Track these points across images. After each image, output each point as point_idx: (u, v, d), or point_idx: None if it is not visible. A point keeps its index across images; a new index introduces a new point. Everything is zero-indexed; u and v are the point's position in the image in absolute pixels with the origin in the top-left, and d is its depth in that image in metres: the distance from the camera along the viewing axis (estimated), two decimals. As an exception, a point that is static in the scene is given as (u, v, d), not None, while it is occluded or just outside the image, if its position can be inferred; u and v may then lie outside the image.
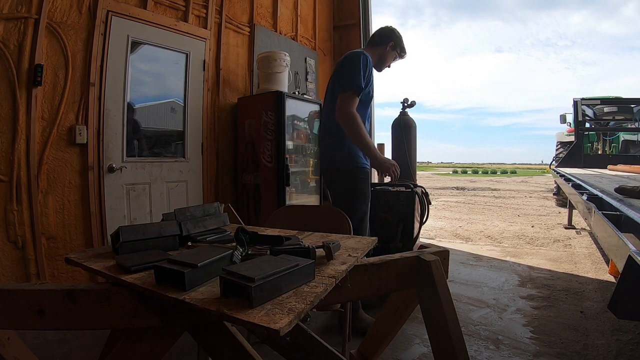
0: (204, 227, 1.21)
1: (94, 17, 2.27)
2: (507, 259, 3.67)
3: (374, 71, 2.03)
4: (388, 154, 4.17)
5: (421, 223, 2.87)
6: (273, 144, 2.99)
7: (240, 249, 0.94)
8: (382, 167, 1.79)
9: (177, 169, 2.81)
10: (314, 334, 1.17)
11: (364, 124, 1.87)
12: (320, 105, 3.58)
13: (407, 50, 2.11)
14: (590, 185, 2.11)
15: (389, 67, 2.11)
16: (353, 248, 1.06)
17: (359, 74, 1.72)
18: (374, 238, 1.17)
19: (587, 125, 5.86)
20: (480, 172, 32.52)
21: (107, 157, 2.38)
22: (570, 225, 5.20)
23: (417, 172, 4.17)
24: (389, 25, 2.14)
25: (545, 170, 16.41)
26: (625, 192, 1.61)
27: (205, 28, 3.00)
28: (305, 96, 3.45)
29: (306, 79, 4.00)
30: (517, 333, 2.07)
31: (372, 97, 1.97)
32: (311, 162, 3.57)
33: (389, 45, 2.04)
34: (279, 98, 2.97)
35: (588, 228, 4.36)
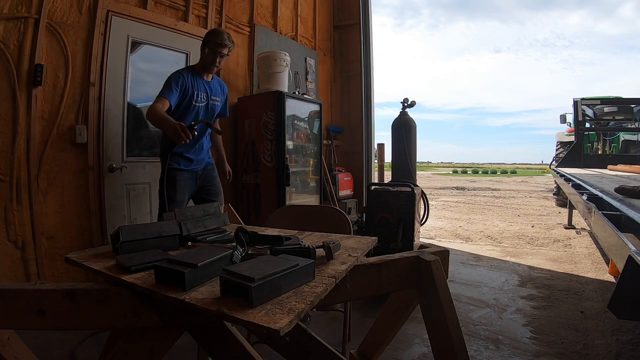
0: (204, 227, 1.21)
1: (94, 17, 2.27)
2: (507, 259, 3.67)
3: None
4: (388, 153, 4.18)
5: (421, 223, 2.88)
6: (273, 144, 2.99)
7: (240, 249, 0.94)
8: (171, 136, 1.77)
9: (177, 168, 2.80)
10: (314, 334, 1.17)
11: (190, 120, 2.07)
12: (320, 105, 3.58)
13: (218, 42, 2.08)
14: (590, 185, 2.11)
15: (217, 64, 2.14)
16: (353, 248, 1.06)
17: (169, 87, 1.97)
18: (373, 238, 1.17)
19: (587, 125, 5.86)
20: (480, 172, 32.52)
21: (107, 157, 2.37)
22: (570, 225, 5.20)
23: (417, 172, 4.18)
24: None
25: (545, 170, 16.41)
26: (625, 192, 1.61)
27: (205, 28, 2.99)
28: (305, 96, 3.45)
29: (306, 79, 4.00)
30: (517, 333, 2.07)
31: (205, 105, 2.15)
32: (311, 162, 3.57)
33: (203, 51, 2.15)
34: (279, 98, 2.97)
35: (588, 228, 4.36)
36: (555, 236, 4.72)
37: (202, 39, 2.98)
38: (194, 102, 2.08)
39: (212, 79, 2.21)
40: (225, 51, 2.12)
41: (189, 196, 2.19)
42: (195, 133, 1.68)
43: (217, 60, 2.11)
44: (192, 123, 1.66)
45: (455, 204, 8.48)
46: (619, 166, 4.16)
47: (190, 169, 2.13)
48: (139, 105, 2.61)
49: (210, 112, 2.20)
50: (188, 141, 1.66)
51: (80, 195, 2.26)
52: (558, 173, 3.81)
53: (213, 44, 2.08)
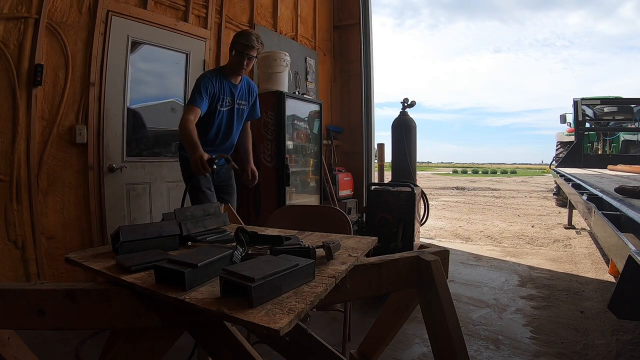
0: (204, 227, 1.20)
1: (94, 17, 2.27)
2: (507, 259, 3.67)
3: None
4: (388, 153, 4.18)
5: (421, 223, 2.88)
6: (273, 144, 2.99)
7: (240, 249, 0.94)
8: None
9: (177, 168, 2.78)
10: (314, 334, 1.17)
11: (218, 125, 2.09)
12: (320, 105, 3.58)
13: (245, 43, 2.00)
14: (590, 185, 2.11)
15: (245, 67, 2.06)
16: (353, 248, 1.05)
17: (199, 93, 1.94)
18: (373, 238, 1.17)
19: (587, 125, 5.86)
20: (480, 172, 32.53)
21: (107, 157, 2.37)
22: (570, 225, 5.20)
23: (417, 172, 4.18)
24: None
25: (545, 170, 16.41)
26: (625, 192, 1.61)
27: (205, 28, 3.00)
28: (305, 96, 3.45)
29: (306, 79, 4.00)
30: (517, 333, 2.07)
31: (230, 109, 2.11)
32: (311, 162, 3.57)
33: (231, 54, 2.08)
34: (279, 98, 2.97)
35: (588, 228, 4.36)
36: (555, 236, 4.71)
37: (202, 39, 2.99)
38: (219, 107, 2.04)
39: (240, 81, 2.14)
40: (254, 53, 2.04)
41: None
42: (215, 167, 1.65)
43: (245, 63, 2.03)
44: (213, 157, 1.64)
45: (455, 204, 8.48)
46: (619, 166, 4.16)
47: None
48: (139, 105, 2.61)
49: (236, 116, 2.14)
50: (207, 175, 1.67)
51: (80, 195, 2.26)
52: (558, 173, 3.81)
53: (240, 45, 2.01)
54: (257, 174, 2.28)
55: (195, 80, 2.03)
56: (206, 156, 1.63)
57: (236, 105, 2.13)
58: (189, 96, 1.99)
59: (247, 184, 2.29)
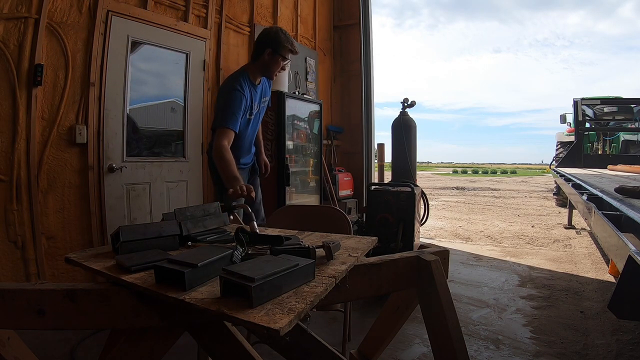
0: (204, 227, 1.20)
1: (94, 17, 2.27)
2: (507, 259, 3.67)
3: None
4: (388, 153, 4.19)
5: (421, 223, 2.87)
6: (273, 144, 2.99)
7: (240, 249, 0.94)
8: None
9: (177, 168, 2.81)
10: (314, 334, 1.17)
11: (249, 136, 1.97)
12: (320, 105, 3.58)
13: (291, 49, 1.84)
14: (590, 185, 2.11)
15: (282, 70, 1.91)
16: (353, 248, 1.06)
17: (232, 113, 1.73)
18: (373, 238, 1.17)
19: (587, 125, 5.86)
20: (480, 172, 32.53)
21: (107, 157, 2.37)
22: (570, 225, 5.20)
23: (417, 172, 4.18)
24: (266, 28, 1.91)
25: (545, 170, 16.41)
26: (625, 192, 1.61)
27: (206, 28, 2.99)
28: (305, 96, 3.45)
29: (306, 79, 4.00)
30: (517, 333, 2.07)
31: (257, 112, 1.98)
32: (311, 162, 3.57)
33: (266, 54, 1.84)
34: (279, 98, 2.97)
35: (588, 228, 4.36)
36: (555, 236, 4.71)
37: (202, 39, 2.98)
38: (248, 117, 1.90)
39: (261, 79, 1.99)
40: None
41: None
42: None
43: (280, 70, 1.88)
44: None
45: (455, 204, 8.48)
46: (619, 166, 4.16)
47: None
48: (139, 105, 2.61)
49: (261, 115, 2.06)
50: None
51: (80, 195, 2.26)
52: (558, 173, 3.81)
53: (285, 50, 1.81)
54: (269, 165, 2.32)
55: (224, 91, 1.82)
56: (247, 187, 1.45)
57: (262, 105, 2.01)
58: (219, 113, 1.76)
59: (260, 177, 2.29)
